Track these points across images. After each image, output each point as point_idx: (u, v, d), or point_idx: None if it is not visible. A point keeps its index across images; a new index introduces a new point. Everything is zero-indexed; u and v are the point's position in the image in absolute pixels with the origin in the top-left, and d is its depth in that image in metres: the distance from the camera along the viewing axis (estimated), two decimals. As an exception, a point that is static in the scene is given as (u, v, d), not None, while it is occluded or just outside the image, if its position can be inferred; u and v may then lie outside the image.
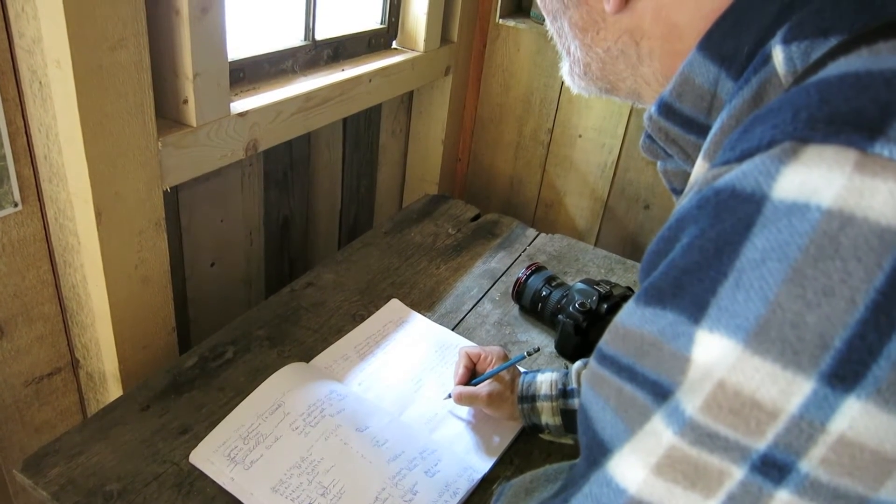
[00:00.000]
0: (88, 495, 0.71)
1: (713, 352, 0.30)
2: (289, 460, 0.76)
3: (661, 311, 0.33)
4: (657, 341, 0.33)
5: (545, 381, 0.85)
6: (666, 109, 0.43)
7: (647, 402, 0.33)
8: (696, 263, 0.32)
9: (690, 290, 0.32)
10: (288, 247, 1.26)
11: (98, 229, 0.78)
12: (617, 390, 0.35)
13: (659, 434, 0.32)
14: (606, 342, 0.37)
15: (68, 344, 0.92)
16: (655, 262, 0.35)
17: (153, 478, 0.74)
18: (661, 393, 0.32)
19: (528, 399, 0.84)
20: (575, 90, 0.54)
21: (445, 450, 0.82)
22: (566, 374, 0.85)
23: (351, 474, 0.75)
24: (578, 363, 0.86)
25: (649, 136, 0.48)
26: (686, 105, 0.42)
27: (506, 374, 0.86)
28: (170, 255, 0.89)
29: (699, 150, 0.42)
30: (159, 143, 0.81)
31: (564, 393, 0.83)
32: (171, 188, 0.85)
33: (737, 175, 0.31)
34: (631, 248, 1.57)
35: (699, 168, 0.39)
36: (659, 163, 0.50)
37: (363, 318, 1.03)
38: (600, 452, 0.35)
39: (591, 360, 0.38)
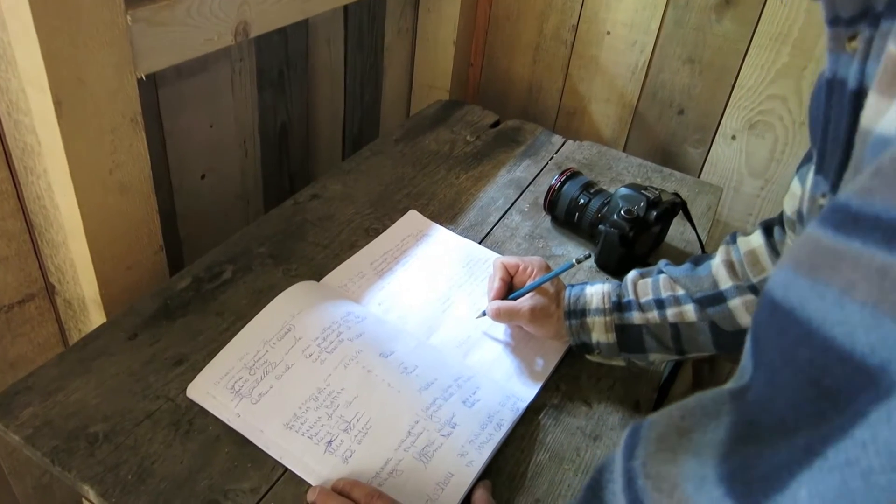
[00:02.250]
0: (69, 439, 0.60)
1: None
2: (303, 392, 0.65)
3: None
4: None
5: (596, 293, 0.73)
6: None
7: None
8: None
9: None
10: (287, 158, 1.12)
11: (59, 124, 0.64)
12: (879, 271, 0.22)
13: None
14: (859, 191, 0.23)
15: (40, 267, 0.79)
16: None
17: (145, 416, 0.63)
18: None
19: (577, 314, 0.72)
20: None
21: (483, 376, 0.71)
22: (619, 286, 0.73)
23: (377, 406, 0.64)
24: (634, 272, 0.74)
25: None
26: None
27: (549, 287, 0.74)
28: (152, 162, 0.75)
29: None
30: (128, 18, 0.66)
31: (619, 306, 0.71)
32: (147, 77, 0.71)
33: None
34: (661, 159, 1.43)
35: None
36: None
37: (378, 232, 0.90)
38: (856, 376, 0.22)
39: (813, 229, 0.24)
